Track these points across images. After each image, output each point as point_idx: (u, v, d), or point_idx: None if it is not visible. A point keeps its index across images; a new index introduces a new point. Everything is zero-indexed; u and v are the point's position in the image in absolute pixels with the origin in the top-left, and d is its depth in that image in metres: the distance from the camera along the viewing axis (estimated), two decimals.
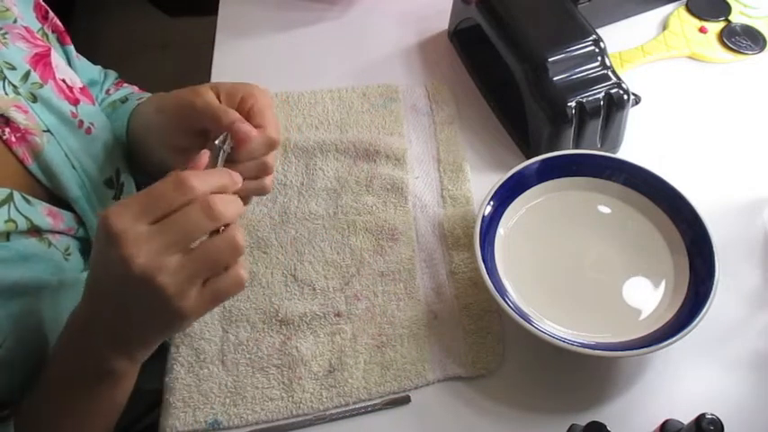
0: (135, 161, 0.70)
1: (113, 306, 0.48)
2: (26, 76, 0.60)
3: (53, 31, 0.68)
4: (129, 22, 1.90)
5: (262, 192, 0.59)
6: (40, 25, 0.66)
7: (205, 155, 0.50)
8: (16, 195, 0.56)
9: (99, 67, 0.79)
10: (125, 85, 0.80)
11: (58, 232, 0.59)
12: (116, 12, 1.92)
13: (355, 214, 0.71)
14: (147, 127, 0.66)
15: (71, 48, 0.70)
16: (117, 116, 0.73)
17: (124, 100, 0.75)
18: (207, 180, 0.47)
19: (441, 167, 0.76)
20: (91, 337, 0.50)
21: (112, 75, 0.80)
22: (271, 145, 0.56)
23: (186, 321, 0.47)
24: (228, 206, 0.46)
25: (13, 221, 0.55)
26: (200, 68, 0.87)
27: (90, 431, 0.55)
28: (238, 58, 0.87)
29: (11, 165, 0.58)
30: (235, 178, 0.49)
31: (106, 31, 1.84)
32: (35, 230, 0.57)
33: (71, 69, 0.67)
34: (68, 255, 0.60)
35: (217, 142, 0.52)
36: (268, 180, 0.58)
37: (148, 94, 0.78)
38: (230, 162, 0.54)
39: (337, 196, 0.73)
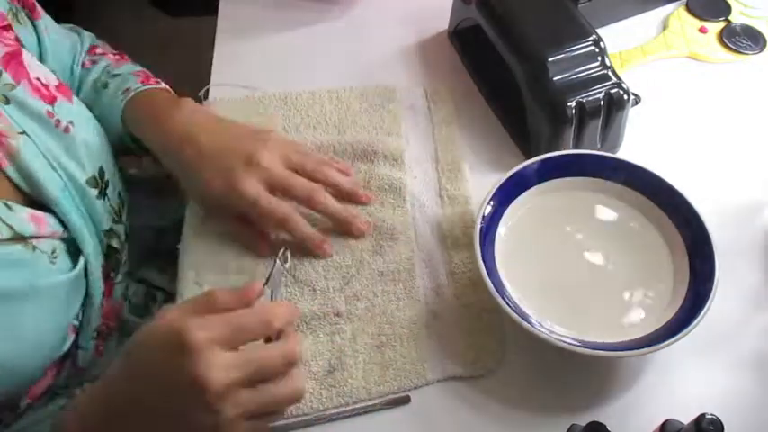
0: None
1: (147, 418, 0.48)
2: None
3: (23, 6, 0.66)
4: (129, 21, 1.90)
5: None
6: (8, 5, 0.64)
7: (259, 286, 0.53)
8: None
9: (73, 35, 0.76)
10: (98, 51, 0.77)
11: (43, 237, 0.58)
12: (116, 12, 1.92)
13: None
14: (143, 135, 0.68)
15: (41, 22, 0.68)
16: (103, 109, 0.71)
17: (105, 84, 0.73)
18: (285, 315, 0.51)
19: (439, 167, 0.76)
20: None
21: (86, 41, 0.77)
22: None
23: None
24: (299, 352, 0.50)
25: None
26: (200, 68, 0.87)
27: None
28: (238, 58, 0.87)
29: None
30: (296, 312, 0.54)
31: (106, 31, 1.84)
32: (19, 238, 0.55)
33: (45, 66, 0.65)
34: (55, 257, 0.58)
35: (277, 260, 0.55)
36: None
37: (126, 66, 0.76)
38: None
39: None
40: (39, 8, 0.69)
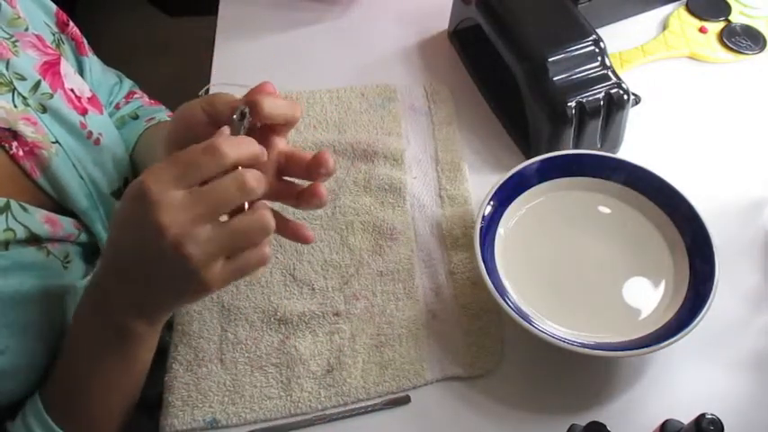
0: None
1: (135, 269, 0.48)
2: (36, 86, 0.59)
3: (72, 39, 0.67)
4: (129, 22, 1.90)
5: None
6: (55, 33, 0.65)
7: (226, 130, 0.49)
8: (13, 204, 0.55)
9: (114, 78, 0.78)
10: (136, 95, 0.79)
11: (57, 240, 0.59)
12: (116, 12, 1.92)
13: (353, 215, 0.71)
14: (153, 157, 0.67)
15: (87, 59, 0.69)
16: (125, 133, 0.72)
17: (134, 116, 0.74)
18: (238, 147, 0.46)
19: (438, 167, 0.76)
20: (109, 299, 0.50)
21: (126, 86, 0.79)
22: (292, 107, 0.52)
23: (207, 292, 0.47)
24: (260, 182, 0.46)
25: (12, 230, 0.54)
26: (200, 68, 0.87)
27: (117, 389, 0.55)
28: (238, 58, 0.87)
29: (15, 176, 0.57)
30: (261, 149, 0.48)
31: (106, 32, 1.84)
32: (34, 239, 0.56)
33: (80, 78, 0.66)
34: (68, 263, 0.59)
35: (234, 117, 0.49)
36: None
37: (159, 108, 0.78)
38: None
39: (335, 197, 0.72)
40: (87, 46, 0.70)
